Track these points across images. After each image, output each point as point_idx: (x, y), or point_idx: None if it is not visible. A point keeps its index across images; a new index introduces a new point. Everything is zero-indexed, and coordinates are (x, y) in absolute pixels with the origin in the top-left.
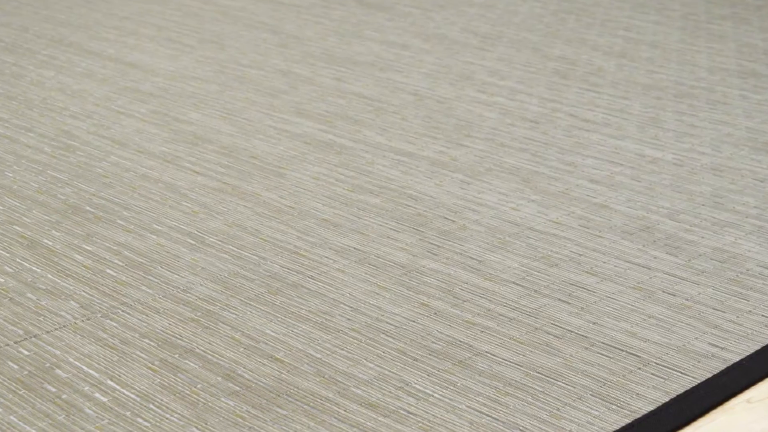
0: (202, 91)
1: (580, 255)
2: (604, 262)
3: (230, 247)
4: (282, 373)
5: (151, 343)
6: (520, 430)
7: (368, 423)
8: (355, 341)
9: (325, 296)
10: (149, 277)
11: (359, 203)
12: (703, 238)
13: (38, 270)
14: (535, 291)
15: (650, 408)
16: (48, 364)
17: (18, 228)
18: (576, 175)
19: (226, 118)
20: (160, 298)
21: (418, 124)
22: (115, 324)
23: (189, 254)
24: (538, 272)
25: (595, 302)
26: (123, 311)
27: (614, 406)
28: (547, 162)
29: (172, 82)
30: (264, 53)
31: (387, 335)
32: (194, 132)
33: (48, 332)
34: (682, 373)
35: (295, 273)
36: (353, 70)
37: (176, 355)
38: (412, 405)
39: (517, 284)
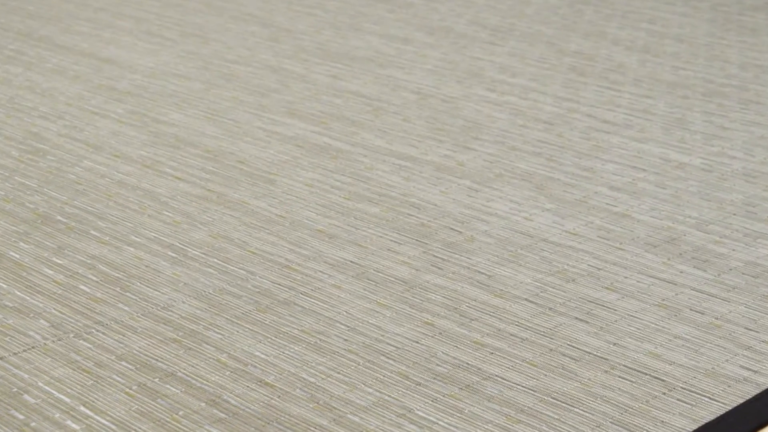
0: (184, 89)
1: (599, 269)
2: (626, 277)
3: (215, 260)
4: (272, 398)
5: (129, 366)
6: None
7: None
8: (353, 364)
9: (320, 314)
10: (126, 294)
11: (357, 212)
12: (734, 250)
13: (4, 286)
14: (550, 309)
15: None
16: (15, 389)
17: None
18: (594, 181)
19: (211, 119)
20: (138, 316)
21: (421, 126)
22: (88, 345)
23: (170, 268)
24: (553, 288)
25: (615, 321)
26: (97, 331)
27: None
28: (563, 167)
29: (151, 80)
30: (252, 48)
31: (387, 357)
32: (176, 134)
33: (15, 354)
34: (710, 398)
35: (286, 289)
36: (350, 67)
37: (156, 379)
38: None
39: (530, 301)
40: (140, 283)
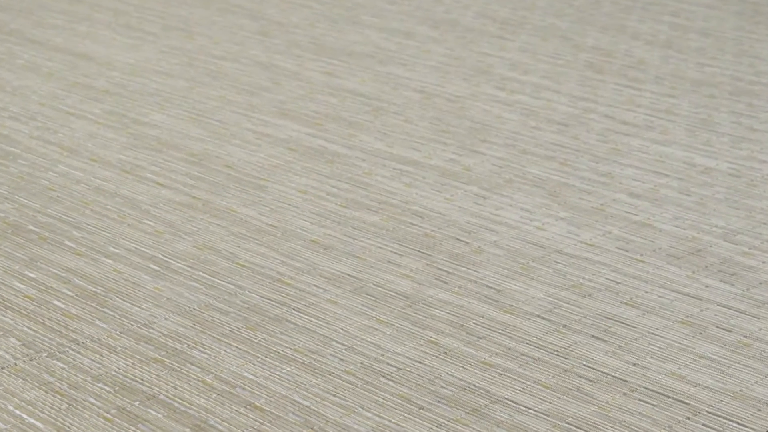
0: (167, 87)
1: (618, 283)
2: (647, 292)
3: (201, 273)
4: (262, 423)
5: (106, 389)
6: None
7: None
8: (350, 386)
9: (314, 332)
10: (104, 310)
11: (354, 221)
12: (764, 263)
13: None
14: (565, 326)
15: None
16: None
17: None
18: (613, 187)
19: (196, 120)
20: (116, 334)
21: (424, 128)
22: (63, 365)
23: (151, 282)
24: (568, 304)
25: (635, 339)
26: (72, 350)
27: None
28: (579, 172)
29: (131, 77)
30: (241, 42)
31: (387, 379)
32: (158, 137)
33: None
34: (739, 423)
35: (277, 305)
36: (347, 63)
37: (136, 403)
38: None
39: (543, 318)
40: (119, 298)
